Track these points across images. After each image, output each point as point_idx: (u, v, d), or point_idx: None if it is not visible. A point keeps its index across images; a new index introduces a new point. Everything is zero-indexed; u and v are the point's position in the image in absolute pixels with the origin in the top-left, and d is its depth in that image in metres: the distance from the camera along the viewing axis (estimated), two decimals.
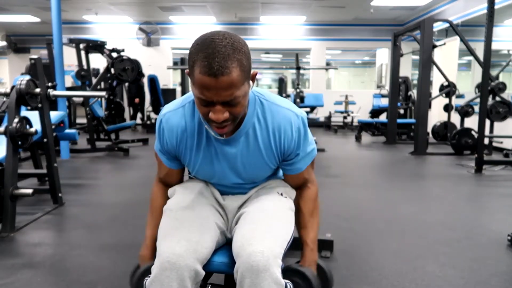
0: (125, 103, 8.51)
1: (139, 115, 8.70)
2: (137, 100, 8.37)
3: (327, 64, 11.29)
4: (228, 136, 1.09)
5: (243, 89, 0.94)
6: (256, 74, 1.00)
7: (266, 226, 1.06)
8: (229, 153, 1.12)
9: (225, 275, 1.24)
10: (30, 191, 2.44)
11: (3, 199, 2.39)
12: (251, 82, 0.99)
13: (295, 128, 1.11)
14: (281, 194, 1.21)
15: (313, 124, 9.10)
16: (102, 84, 6.18)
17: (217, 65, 0.88)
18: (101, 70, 6.23)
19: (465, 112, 5.98)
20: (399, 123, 6.83)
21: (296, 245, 1.18)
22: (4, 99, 3.87)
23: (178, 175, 1.25)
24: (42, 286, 1.77)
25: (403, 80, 7.72)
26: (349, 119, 9.40)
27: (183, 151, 1.15)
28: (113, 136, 6.26)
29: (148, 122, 8.72)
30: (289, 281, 1.02)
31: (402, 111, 7.93)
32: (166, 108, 1.15)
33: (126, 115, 9.41)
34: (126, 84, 7.38)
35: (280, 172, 1.32)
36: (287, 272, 1.07)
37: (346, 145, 6.75)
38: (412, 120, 6.94)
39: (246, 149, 1.11)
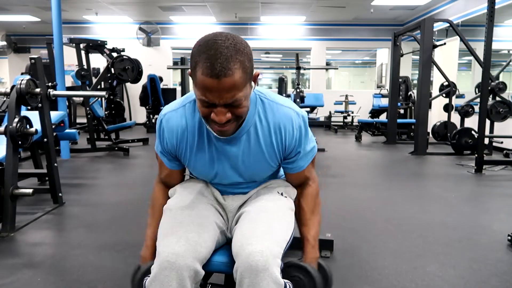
0: (125, 103, 8.49)
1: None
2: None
3: (327, 64, 11.28)
4: (229, 136, 1.07)
5: (245, 90, 0.94)
6: (258, 75, 0.99)
7: (266, 226, 1.06)
8: (230, 152, 1.11)
9: (225, 275, 1.24)
10: (30, 190, 2.44)
11: (3, 199, 2.39)
12: (253, 83, 0.99)
13: (296, 126, 1.11)
14: (282, 194, 1.21)
15: (313, 124, 9.06)
16: (102, 83, 6.18)
17: (219, 66, 0.87)
18: (101, 70, 6.23)
19: (465, 112, 5.98)
20: (399, 123, 6.82)
21: (296, 245, 1.18)
22: (4, 99, 3.87)
23: (179, 176, 1.25)
24: (42, 286, 1.77)
25: (403, 80, 7.72)
26: (349, 119, 9.40)
27: (183, 151, 1.14)
28: (113, 136, 6.26)
29: (148, 122, 8.70)
30: (288, 281, 1.02)
31: (402, 111, 7.93)
32: (166, 109, 1.14)
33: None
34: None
35: (281, 172, 1.32)
36: (288, 267, 1.07)
37: (346, 145, 6.74)
38: (412, 120, 6.94)
39: (248, 147, 1.11)
